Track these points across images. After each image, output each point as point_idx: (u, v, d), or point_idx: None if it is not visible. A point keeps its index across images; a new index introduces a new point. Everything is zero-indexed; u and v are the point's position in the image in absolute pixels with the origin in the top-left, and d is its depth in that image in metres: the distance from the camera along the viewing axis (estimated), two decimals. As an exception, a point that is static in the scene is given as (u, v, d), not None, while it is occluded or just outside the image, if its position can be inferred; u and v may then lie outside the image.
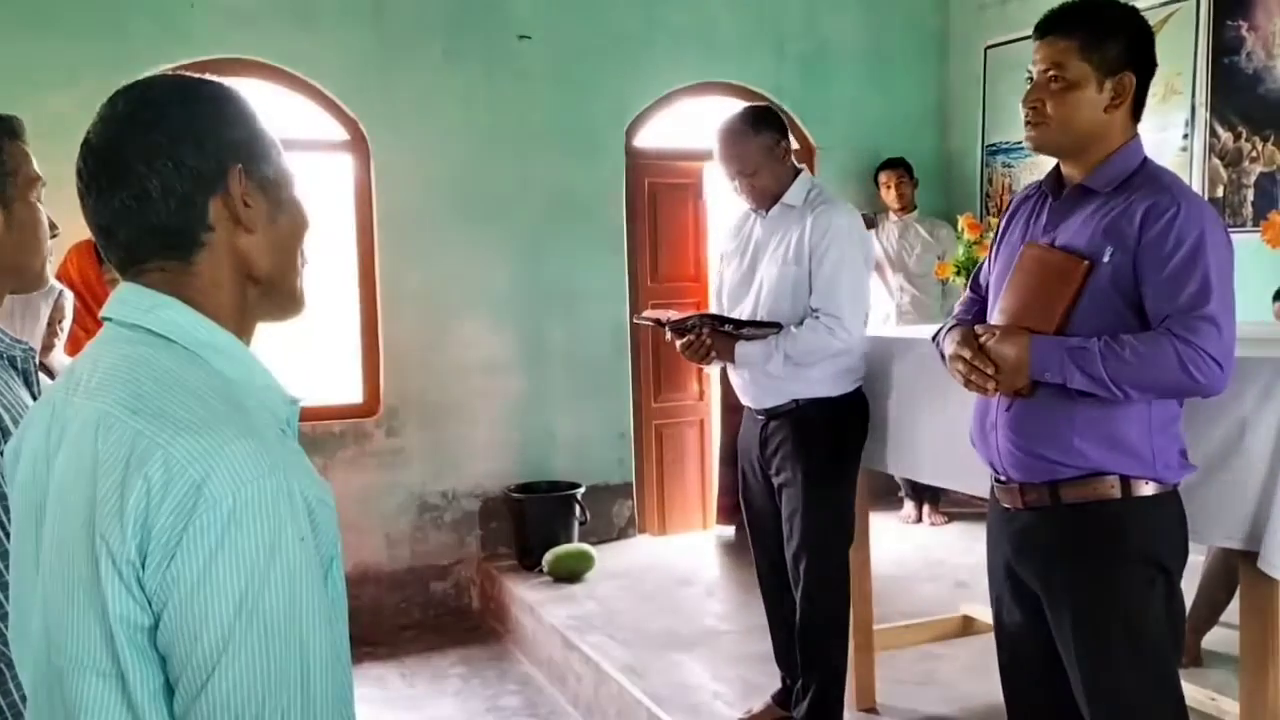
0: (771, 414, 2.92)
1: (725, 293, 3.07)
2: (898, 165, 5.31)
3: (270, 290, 1.05)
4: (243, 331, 1.03)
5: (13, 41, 4.12)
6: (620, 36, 5.08)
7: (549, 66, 4.97)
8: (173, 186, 0.97)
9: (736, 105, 5.29)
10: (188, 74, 1.02)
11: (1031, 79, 1.93)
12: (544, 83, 4.97)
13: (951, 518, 5.25)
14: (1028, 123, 1.93)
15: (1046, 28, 1.91)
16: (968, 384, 1.95)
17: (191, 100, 1.00)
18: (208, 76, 1.03)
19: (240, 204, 1.00)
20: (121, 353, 0.97)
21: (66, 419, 0.97)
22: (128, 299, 1.00)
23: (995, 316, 2.00)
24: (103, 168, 0.98)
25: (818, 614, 2.88)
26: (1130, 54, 1.88)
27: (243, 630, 0.86)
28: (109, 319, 1.01)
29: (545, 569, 4.59)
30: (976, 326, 1.98)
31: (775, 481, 2.93)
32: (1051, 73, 1.88)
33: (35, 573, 0.97)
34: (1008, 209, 2.16)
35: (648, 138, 5.29)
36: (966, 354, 1.93)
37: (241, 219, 1.01)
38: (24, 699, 1.25)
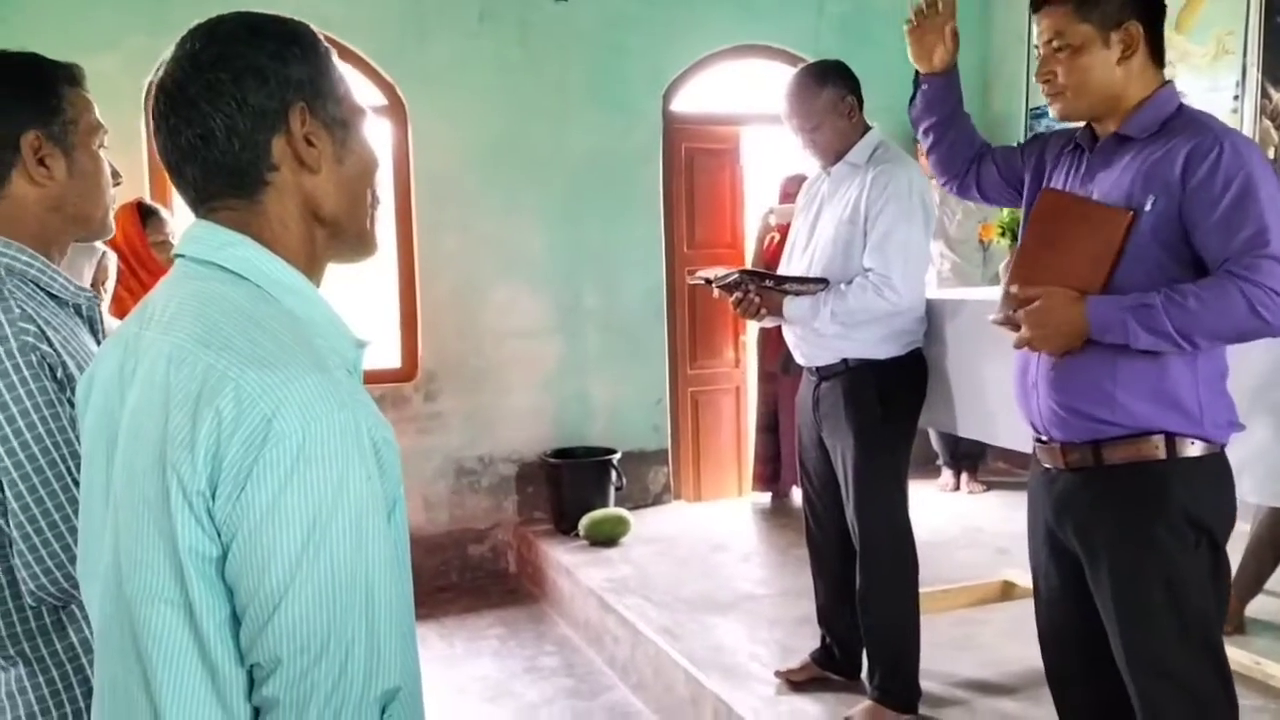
0: (823, 374, 2.90)
1: (789, 249, 3.05)
2: None
3: (339, 231, 1.05)
4: (312, 272, 1.03)
5: (60, 3, 4.15)
6: (658, -1, 5.04)
7: (586, 30, 4.93)
8: (236, 125, 0.97)
9: (774, 67, 5.28)
10: (257, 11, 1.02)
11: (1040, 52, 1.92)
12: (581, 46, 4.94)
13: (990, 486, 5.22)
14: (1048, 95, 1.91)
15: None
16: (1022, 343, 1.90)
17: (257, 37, 0.99)
18: (277, 14, 1.02)
19: (303, 143, 1.00)
20: (194, 288, 0.98)
21: (139, 353, 0.98)
22: (200, 236, 1.01)
23: (1030, 273, 1.91)
24: (171, 106, 0.98)
25: (877, 580, 2.86)
26: (1128, 3, 1.84)
27: (310, 563, 0.87)
28: (181, 255, 1.02)
29: (581, 533, 4.61)
30: (1016, 288, 1.89)
31: (828, 443, 2.92)
32: (1055, 42, 1.87)
33: (105, 505, 0.99)
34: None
35: (685, 101, 5.25)
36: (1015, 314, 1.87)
37: (305, 159, 1.00)
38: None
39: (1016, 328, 1.88)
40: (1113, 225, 1.81)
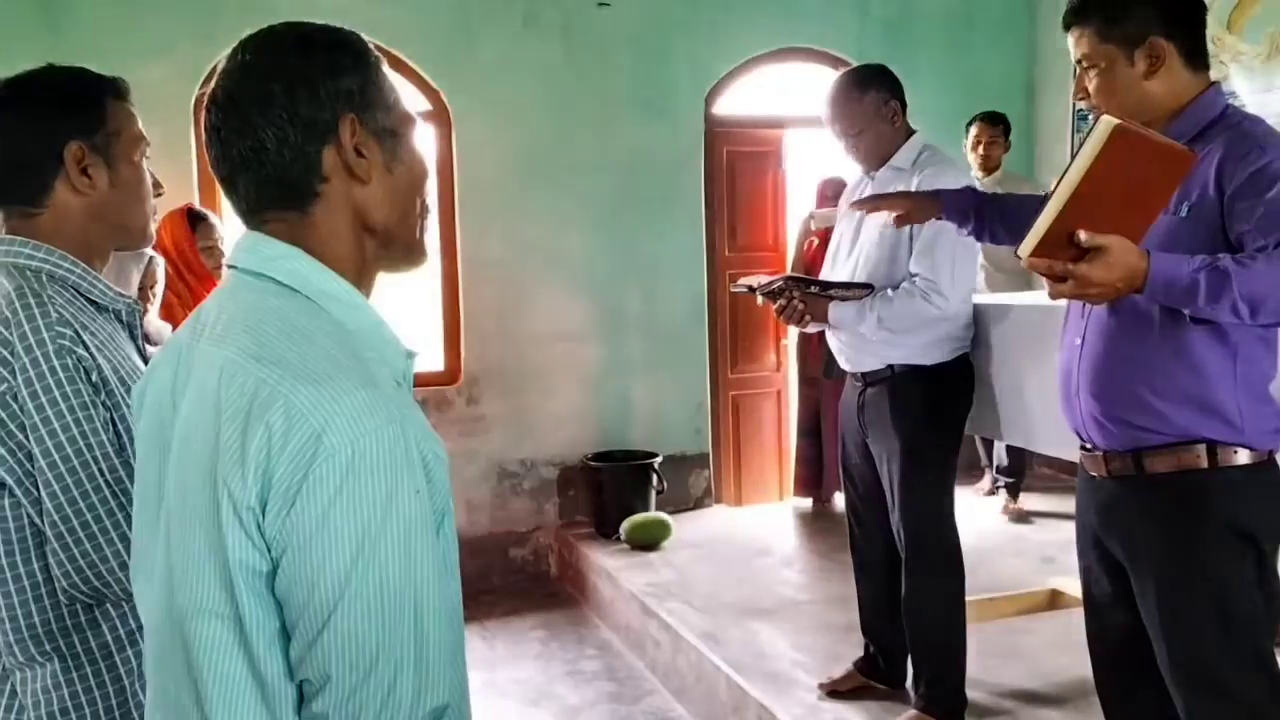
0: (869, 380, 2.88)
1: (832, 254, 3.03)
2: (997, 121, 4.78)
3: (389, 241, 1.05)
4: (362, 283, 1.03)
5: (112, 13, 4.22)
6: (700, 2, 5.03)
7: (628, 34, 4.94)
8: (287, 136, 0.97)
9: (817, 70, 5.25)
10: (308, 22, 1.01)
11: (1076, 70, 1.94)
12: (623, 50, 4.95)
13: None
14: (1089, 110, 1.93)
15: (1067, 21, 1.90)
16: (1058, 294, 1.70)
17: (308, 48, 0.99)
18: (328, 24, 1.02)
19: (353, 154, 1.00)
20: (246, 301, 0.98)
21: (192, 363, 0.99)
22: (252, 248, 1.01)
23: (1090, 215, 1.63)
24: (223, 118, 0.99)
25: (923, 588, 2.83)
26: (1151, 19, 1.81)
27: (359, 579, 0.87)
28: (234, 267, 1.02)
29: (622, 537, 4.61)
30: (1086, 235, 1.60)
31: (873, 450, 2.89)
32: (1084, 62, 1.88)
33: (157, 511, 0.99)
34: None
35: (727, 105, 5.23)
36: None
37: (355, 169, 1.00)
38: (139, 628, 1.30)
39: (1055, 275, 1.64)
40: (1175, 167, 1.65)
